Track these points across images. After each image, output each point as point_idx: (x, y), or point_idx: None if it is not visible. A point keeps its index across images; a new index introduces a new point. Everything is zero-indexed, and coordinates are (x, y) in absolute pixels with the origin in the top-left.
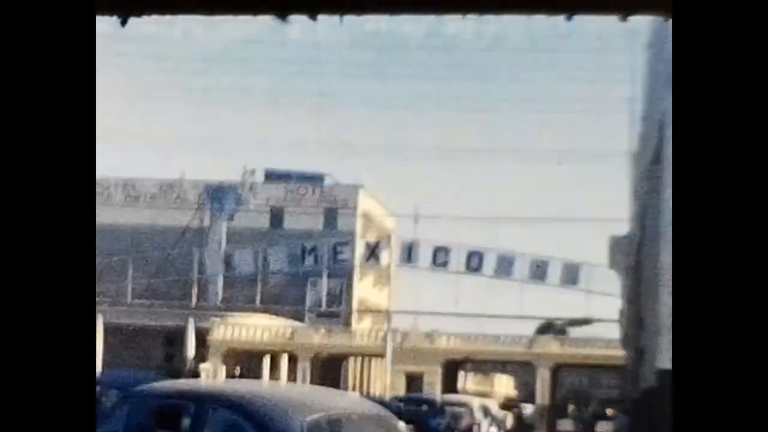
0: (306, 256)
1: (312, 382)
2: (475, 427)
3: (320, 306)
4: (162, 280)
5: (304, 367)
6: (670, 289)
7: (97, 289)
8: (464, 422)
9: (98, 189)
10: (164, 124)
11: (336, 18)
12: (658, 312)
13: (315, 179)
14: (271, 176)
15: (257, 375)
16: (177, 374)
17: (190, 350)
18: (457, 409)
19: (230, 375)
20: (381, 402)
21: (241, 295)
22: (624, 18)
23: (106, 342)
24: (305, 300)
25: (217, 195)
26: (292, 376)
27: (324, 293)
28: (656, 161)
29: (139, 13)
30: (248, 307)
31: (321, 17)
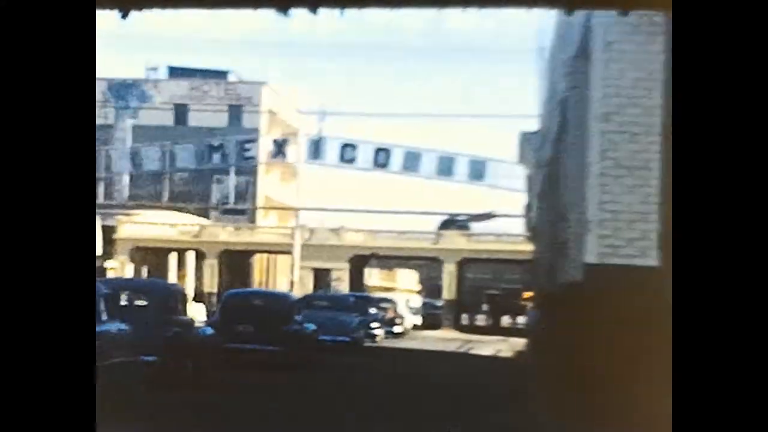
0: (212, 153)
1: (219, 278)
2: (397, 319)
3: (226, 203)
4: None
5: (211, 263)
6: (599, 184)
7: None
8: (389, 314)
9: None
10: None
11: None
12: (584, 206)
13: (219, 75)
14: (175, 72)
15: (164, 272)
16: None
17: (97, 248)
18: (384, 303)
19: (137, 272)
20: (320, 297)
21: (148, 192)
22: (624, 13)
23: None
24: (211, 197)
25: (121, 92)
26: (199, 272)
27: (230, 190)
28: (580, 55)
29: (140, 8)
30: (155, 204)
31: (321, 11)
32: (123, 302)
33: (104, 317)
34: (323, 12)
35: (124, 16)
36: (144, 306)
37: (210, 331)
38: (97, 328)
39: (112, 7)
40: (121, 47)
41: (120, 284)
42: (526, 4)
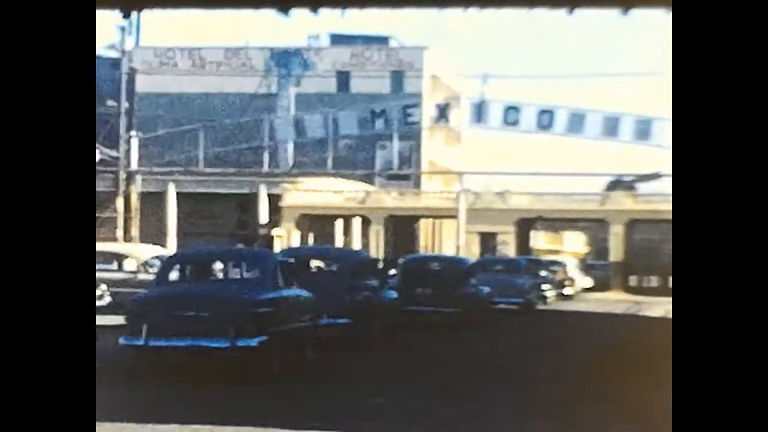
0: (376, 119)
1: (385, 244)
2: (567, 281)
3: (391, 168)
4: (232, 148)
5: (377, 229)
6: None
7: (168, 158)
8: (559, 277)
9: (164, 58)
10: None
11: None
12: None
13: (380, 41)
14: (336, 39)
15: (330, 239)
16: (251, 241)
17: (263, 216)
18: (554, 266)
19: (304, 239)
20: (493, 260)
21: (312, 159)
22: (624, 12)
23: (180, 210)
24: (375, 163)
25: (283, 60)
26: (365, 239)
27: (394, 156)
28: None
29: (140, 8)
30: (319, 171)
31: (322, 11)
32: (312, 269)
33: (281, 284)
34: (323, 12)
35: (126, 15)
36: (333, 272)
37: (393, 294)
38: (275, 294)
39: (112, 7)
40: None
41: (306, 252)
42: (526, 4)
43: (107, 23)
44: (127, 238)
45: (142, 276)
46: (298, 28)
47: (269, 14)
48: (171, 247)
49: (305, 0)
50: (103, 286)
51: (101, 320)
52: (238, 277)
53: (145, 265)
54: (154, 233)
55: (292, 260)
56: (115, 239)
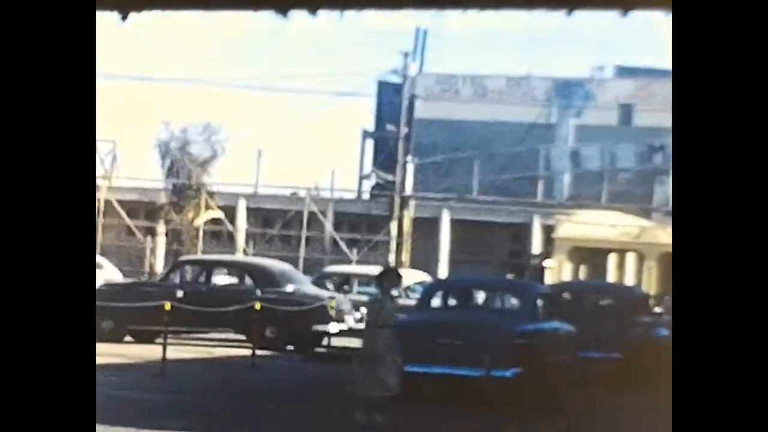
0: (654, 154)
1: (657, 280)
2: None
3: (667, 204)
4: (508, 177)
5: (650, 265)
6: None
7: (444, 185)
8: None
9: (446, 86)
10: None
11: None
12: None
13: (665, 75)
14: (621, 72)
15: (602, 273)
16: (521, 271)
17: (535, 247)
18: None
19: (575, 272)
20: None
21: (587, 192)
22: (624, 13)
23: (451, 237)
24: (652, 198)
25: (564, 91)
26: (637, 274)
27: (670, 192)
28: None
29: (139, 9)
30: (594, 204)
31: (320, 13)
32: (584, 302)
33: (541, 316)
34: (322, 14)
35: (124, 17)
36: (605, 306)
37: (665, 332)
38: (534, 326)
39: (112, 9)
40: (566, 46)
41: (579, 286)
42: (525, 5)
43: (389, 48)
44: (398, 262)
45: (403, 301)
46: (581, 60)
47: (551, 43)
48: (440, 274)
49: (303, 2)
50: (363, 310)
51: (356, 343)
52: (499, 306)
53: (407, 290)
54: (424, 259)
55: (562, 293)
56: (386, 263)
